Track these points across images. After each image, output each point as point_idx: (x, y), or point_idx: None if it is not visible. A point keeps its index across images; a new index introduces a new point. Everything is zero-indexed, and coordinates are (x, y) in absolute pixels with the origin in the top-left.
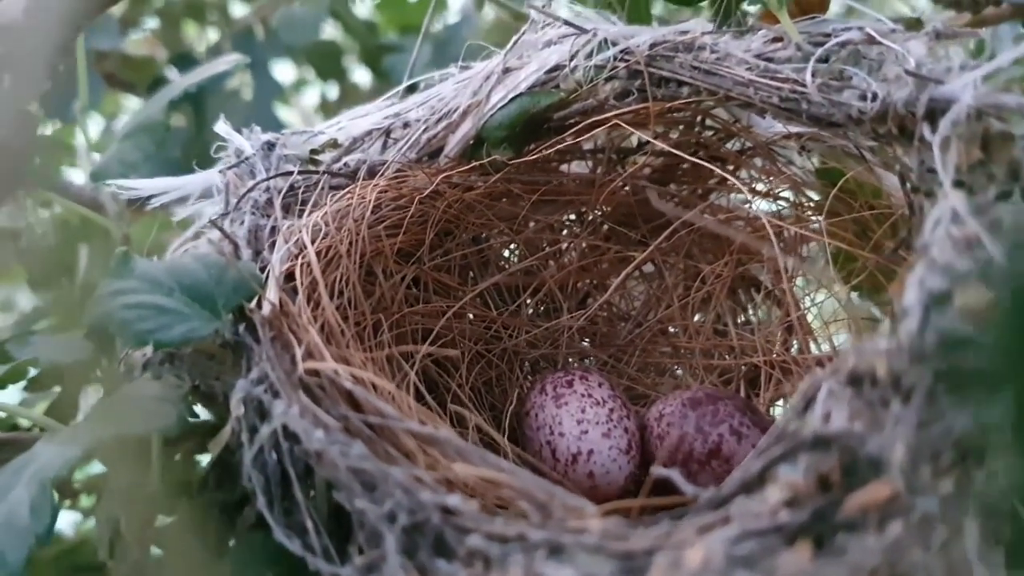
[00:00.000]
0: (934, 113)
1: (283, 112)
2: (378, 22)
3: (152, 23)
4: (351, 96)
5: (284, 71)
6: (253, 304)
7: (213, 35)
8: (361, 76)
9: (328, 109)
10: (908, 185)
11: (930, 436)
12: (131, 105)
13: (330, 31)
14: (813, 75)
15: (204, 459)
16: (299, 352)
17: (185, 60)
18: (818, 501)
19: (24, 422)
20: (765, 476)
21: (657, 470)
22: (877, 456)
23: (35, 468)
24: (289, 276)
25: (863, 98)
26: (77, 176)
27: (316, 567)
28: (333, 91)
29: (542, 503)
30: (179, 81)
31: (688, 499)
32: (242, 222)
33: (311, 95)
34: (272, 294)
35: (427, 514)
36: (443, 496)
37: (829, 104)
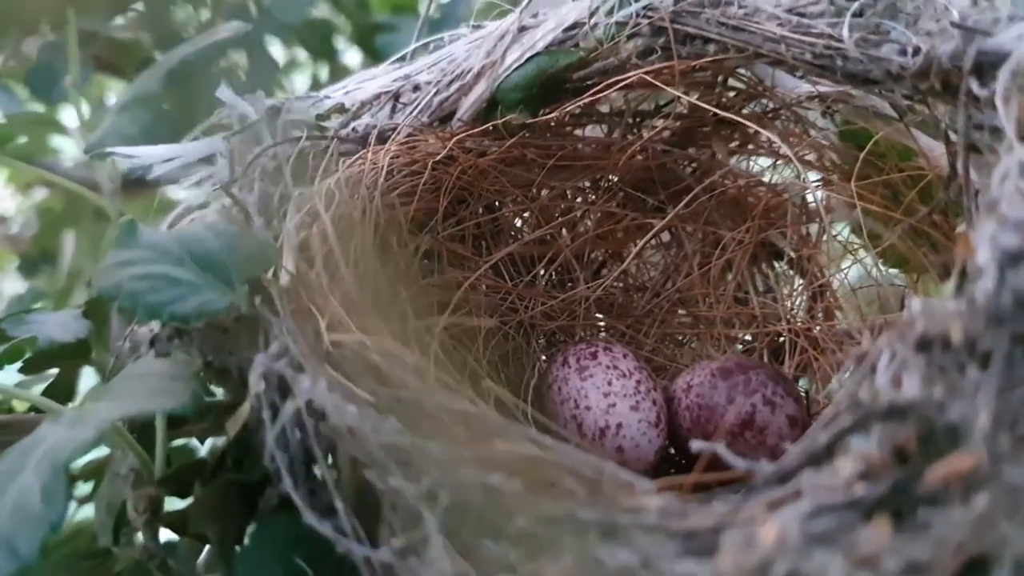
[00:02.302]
0: (982, 67)
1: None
2: (370, 0)
3: (139, 4)
4: (341, 77)
5: (274, 53)
6: (269, 274)
7: (204, 15)
8: (351, 57)
9: (319, 90)
10: (950, 143)
11: (1010, 402)
12: (118, 88)
13: (320, 9)
14: (851, 29)
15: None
16: (323, 324)
17: (172, 42)
18: (895, 473)
19: (20, 405)
20: (833, 448)
21: (700, 444)
22: (957, 424)
23: (43, 452)
24: (303, 245)
25: (903, 53)
26: (67, 156)
27: (347, 550)
28: (323, 72)
29: (591, 481)
30: (177, 50)
31: (738, 475)
32: (251, 189)
33: (301, 78)
34: (289, 264)
35: (469, 493)
36: (486, 474)
37: (867, 60)
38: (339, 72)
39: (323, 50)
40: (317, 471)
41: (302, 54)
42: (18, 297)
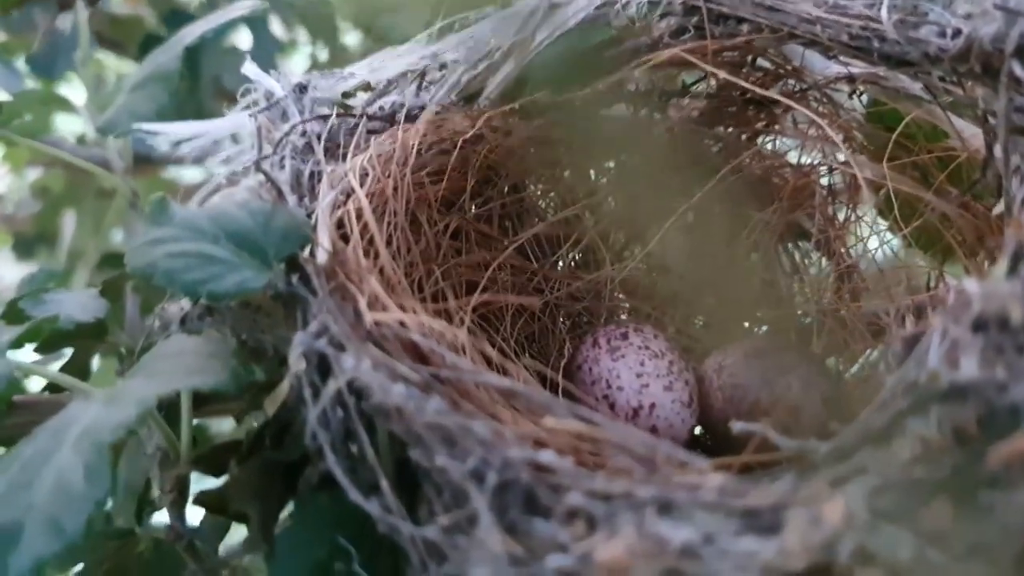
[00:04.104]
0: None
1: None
2: None
3: None
4: (341, 58)
5: (274, 32)
6: (306, 252)
7: None
8: (351, 38)
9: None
10: (988, 125)
11: None
12: (116, 65)
13: None
14: (889, 10)
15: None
16: (363, 302)
17: (177, 17)
18: (956, 455)
19: (33, 386)
20: (891, 430)
21: (743, 426)
22: (1019, 405)
23: (82, 430)
24: (338, 223)
25: (942, 35)
26: (66, 132)
27: (394, 527)
28: (323, 53)
29: (646, 457)
30: (194, 26)
31: (786, 455)
32: (282, 167)
33: (299, 58)
34: (325, 241)
35: (517, 471)
36: (533, 452)
37: (905, 42)
38: (339, 53)
39: (325, 30)
40: (355, 449)
41: (302, 34)
42: (30, 277)
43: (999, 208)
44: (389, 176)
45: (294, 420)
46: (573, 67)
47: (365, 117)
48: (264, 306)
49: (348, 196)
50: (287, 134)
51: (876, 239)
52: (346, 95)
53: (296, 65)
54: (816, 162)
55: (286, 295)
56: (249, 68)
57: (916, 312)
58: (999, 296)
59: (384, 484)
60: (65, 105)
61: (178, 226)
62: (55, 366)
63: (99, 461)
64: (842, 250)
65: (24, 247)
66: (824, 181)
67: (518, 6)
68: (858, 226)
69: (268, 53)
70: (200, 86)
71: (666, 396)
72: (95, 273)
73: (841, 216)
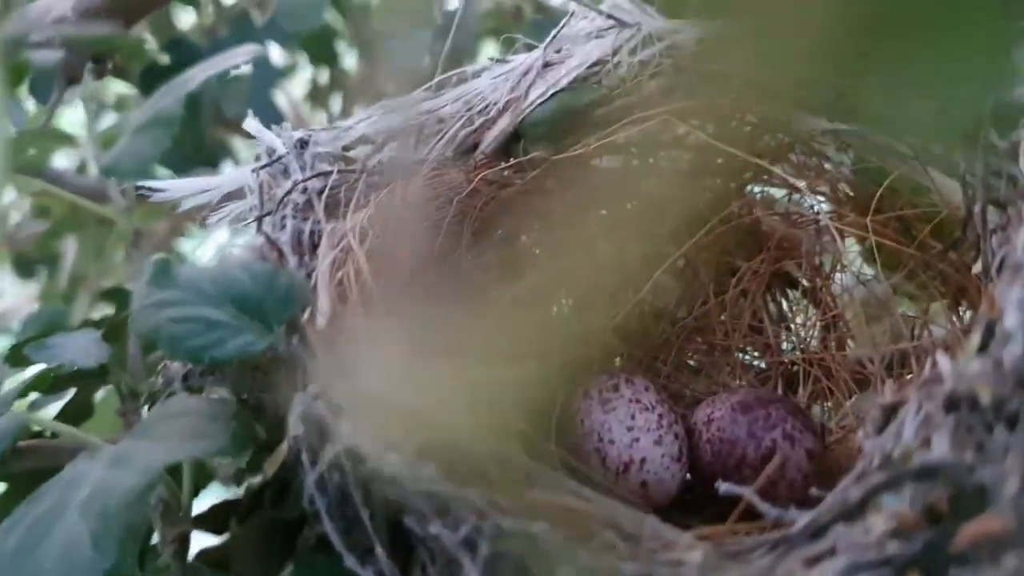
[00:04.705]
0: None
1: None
2: (373, 6)
3: None
4: (340, 82)
5: (273, 55)
6: (306, 316)
7: (206, 19)
8: (351, 62)
9: (319, 95)
10: (968, 189)
11: None
12: (117, 90)
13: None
14: None
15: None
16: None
17: (179, 46)
18: (927, 533)
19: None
20: (865, 505)
21: (729, 487)
22: (986, 486)
23: (88, 494)
24: (338, 284)
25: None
26: (67, 160)
27: None
28: (323, 76)
29: (631, 535)
30: (197, 70)
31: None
32: (283, 226)
33: (299, 81)
34: (324, 305)
35: (509, 542)
36: (527, 523)
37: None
38: (339, 77)
39: (325, 56)
40: (351, 512)
41: (302, 57)
42: (34, 316)
43: (977, 267)
44: (388, 232)
45: (293, 481)
46: (566, 123)
47: (364, 173)
48: (264, 366)
49: (347, 254)
50: (289, 192)
51: (862, 288)
52: (346, 148)
53: (297, 87)
54: (803, 212)
55: (286, 357)
56: (251, 124)
57: (899, 361)
58: (969, 377)
59: (379, 550)
60: (69, 141)
61: (181, 289)
62: (58, 404)
63: (106, 530)
64: (828, 299)
65: (25, 267)
66: (812, 231)
67: (514, 62)
68: (844, 275)
69: (268, 82)
70: (201, 117)
71: (656, 451)
72: (96, 298)
73: (828, 266)
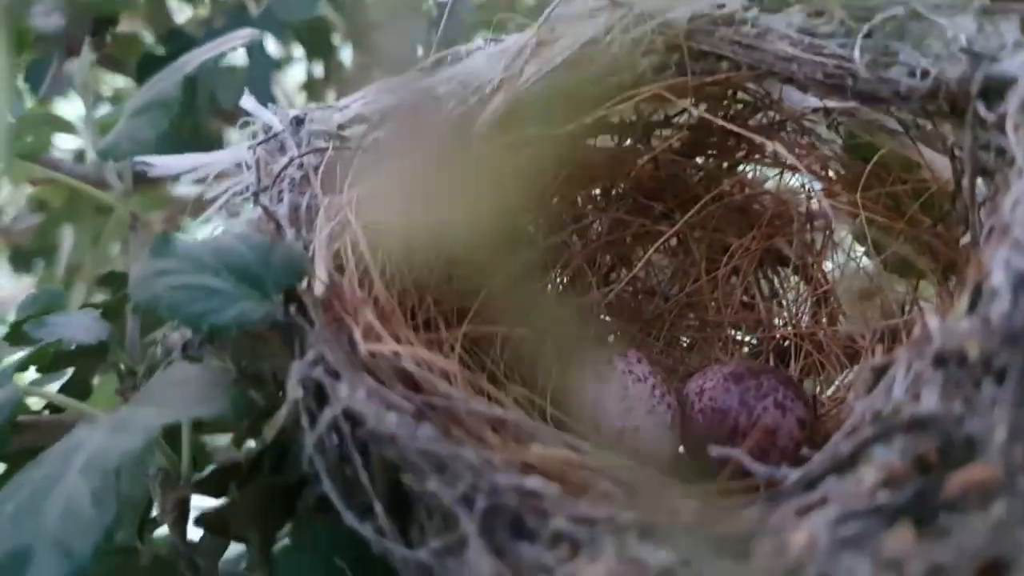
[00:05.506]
0: (988, 91)
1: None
2: None
3: None
4: (336, 74)
5: (269, 47)
6: (304, 284)
7: (202, 11)
8: (346, 54)
9: (314, 87)
10: (957, 163)
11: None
12: (111, 79)
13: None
14: (861, 51)
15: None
16: (358, 333)
17: (175, 37)
18: (917, 482)
19: (34, 405)
20: (856, 457)
21: (720, 451)
22: (975, 437)
23: (88, 457)
24: (335, 255)
25: (912, 75)
26: (63, 148)
27: (387, 551)
28: (318, 68)
29: (628, 484)
30: (194, 54)
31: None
32: (280, 200)
33: (295, 73)
34: (322, 274)
35: (504, 496)
36: (520, 478)
37: (877, 80)
38: (334, 69)
39: (320, 48)
40: (350, 473)
41: (297, 49)
42: (32, 297)
43: (966, 239)
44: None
45: (292, 445)
46: (560, 102)
47: (360, 150)
48: (263, 335)
49: (344, 227)
50: (286, 166)
51: (853, 264)
52: (342, 127)
53: (292, 79)
54: (794, 190)
55: (284, 325)
56: (248, 102)
57: (890, 336)
58: (958, 334)
59: (378, 507)
60: (67, 127)
61: (181, 259)
62: (56, 384)
63: (106, 488)
64: (819, 275)
65: (22, 260)
66: (802, 209)
67: (508, 42)
68: (835, 252)
69: (265, 72)
70: (196, 104)
71: (649, 420)
72: (92, 288)
73: (819, 243)
